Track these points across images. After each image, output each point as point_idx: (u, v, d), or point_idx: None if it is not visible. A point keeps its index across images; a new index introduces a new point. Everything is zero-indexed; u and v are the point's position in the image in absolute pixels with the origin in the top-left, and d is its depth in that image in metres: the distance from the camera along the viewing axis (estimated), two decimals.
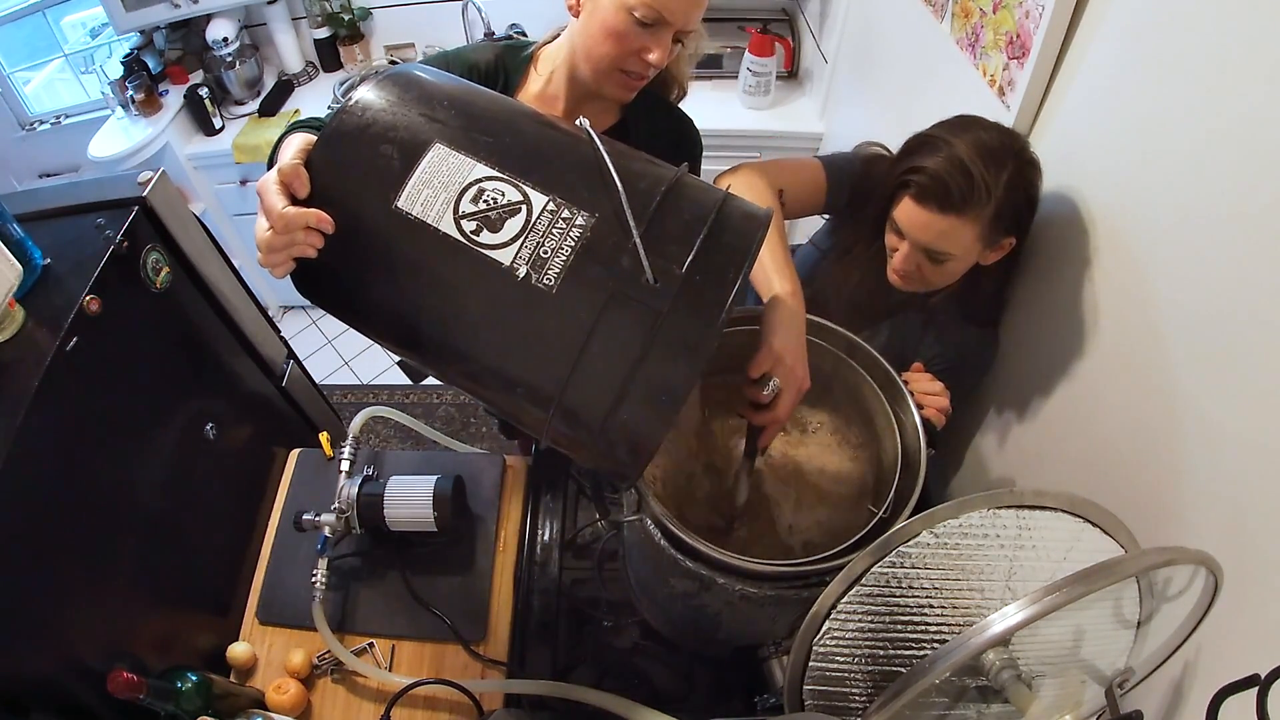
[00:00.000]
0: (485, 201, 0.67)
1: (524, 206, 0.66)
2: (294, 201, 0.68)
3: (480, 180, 0.67)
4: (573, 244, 0.65)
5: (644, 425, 0.65)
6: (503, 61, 1.09)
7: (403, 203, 0.67)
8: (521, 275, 0.65)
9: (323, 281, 0.74)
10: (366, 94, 0.72)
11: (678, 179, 0.70)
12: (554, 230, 0.66)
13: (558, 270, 0.65)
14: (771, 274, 0.91)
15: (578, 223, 0.66)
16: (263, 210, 0.68)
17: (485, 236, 0.66)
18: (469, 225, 0.66)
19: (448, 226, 0.66)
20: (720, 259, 0.66)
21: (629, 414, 0.65)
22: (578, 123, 0.73)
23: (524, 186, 0.67)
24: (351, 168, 0.70)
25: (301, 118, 0.97)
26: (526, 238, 0.65)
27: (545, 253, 0.65)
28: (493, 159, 0.68)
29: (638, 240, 0.64)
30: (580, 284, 0.65)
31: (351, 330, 0.79)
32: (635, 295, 0.64)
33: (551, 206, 0.66)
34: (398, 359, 1.16)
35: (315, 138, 0.72)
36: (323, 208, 0.68)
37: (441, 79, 0.78)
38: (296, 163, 0.69)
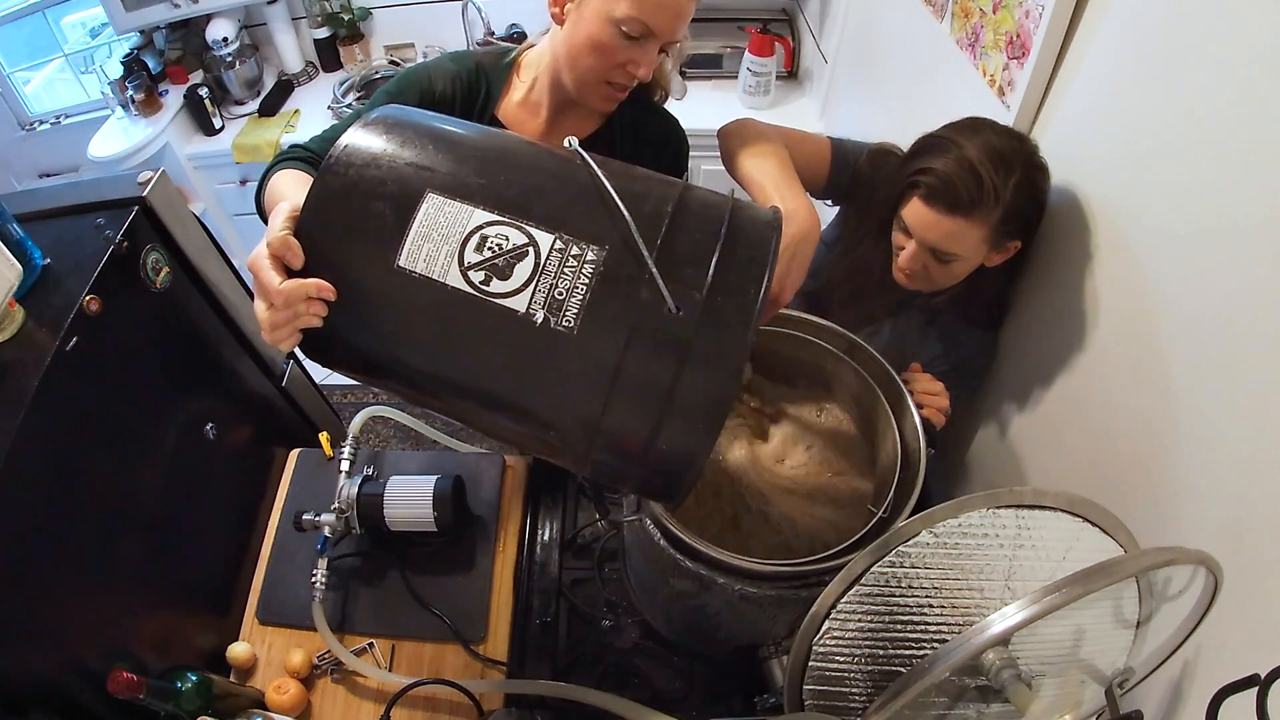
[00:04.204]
0: (490, 249, 0.64)
1: (530, 249, 0.64)
2: (290, 273, 0.65)
3: (481, 227, 0.65)
4: (587, 281, 0.63)
5: (684, 451, 0.64)
6: (484, 70, 1.07)
7: (404, 261, 0.64)
8: (539, 321, 0.62)
9: (331, 347, 0.71)
10: (347, 150, 0.69)
11: (681, 194, 0.69)
12: (565, 270, 0.63)
13: (575, 310, 0.62)
14: (772, 195, 0.90)
15: (589, 258, 0.64)
16: (258, 289, 0.65)
17: (496, 285, 0.63)
18: (477, 276, 0.64)
19: (455, 280, 0.64)
20: (738, 274, 0.65)
21: (667, 443, 0.63)
22: (566, 143, 0.70)
23: (527, 227, 0.65)
24: (344, 231, 0.67)
25: (284, 150, 0.96)
26: (539, 281, 0.63)
27: (560, 294, 0.63)
28: (490, 202, 0.66)
29: (654, 270, 0.62)
30: (601, 322, 0.63)
31: None
32: (658, 326, 0.62)
33: (559, 245, 0.64)
34: None
35: (301, 200, 0.68)
36: (320, 274, 0.65)
37: (422, 120, 0.74)
38: (285, 234, 0.66)
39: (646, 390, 0.62)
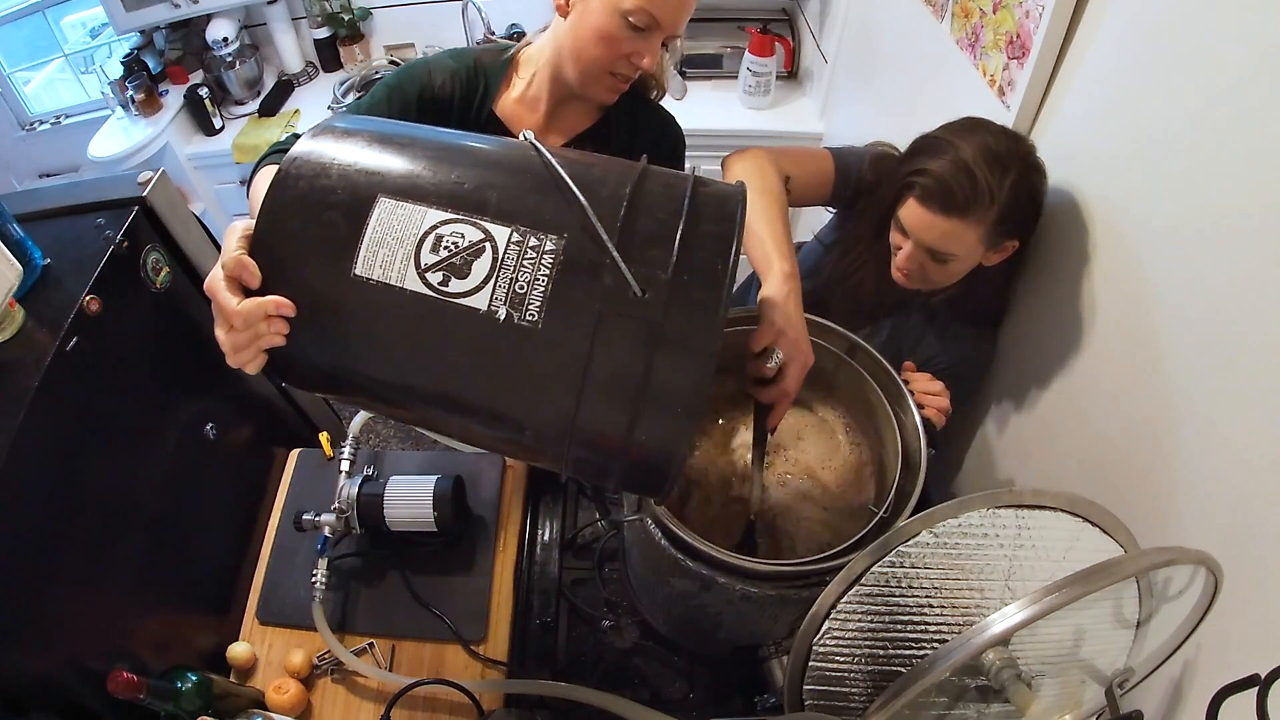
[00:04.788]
0: (446, 248, 0.63)
1: (487, 244, 0.63)
2: (248, 293, 0.64)
3: (436, 227, 0.63)
4: (548, 272, 0.62)
5: (664, 441, 0.63)
6: (482, 67, 1.08)
7: (360, 269, 0.63)
8: (502, 317, 0.61)
9: (297, 365, 0.69)
10: (296, 162, 0.67)
11: (640, 175, 0.67)
12: (525, 262, 0.62)
13: (539, 303, 0.61)
14: (772, 253, 0.90)
15: (547, 249, 0.62)
16: (216, 313, 0.64)
17: (455, 285, 0.62)
18: (435, 277, 0.62)
19: (413, 284, 0.62)
20: (704, 252, 0.63)
21: (646, 434, 0.62)
22: (521, 137, 0.69)
23: (483, 223, 0.63)
24: (298, 244, 0.65)
25: (278, 141, 0.95)
26: (498, 276, 0.62)
27: (521, 288, 0.61)
28: (443, 201, 0.64)
29: (615, 254, 0.61)
30: (566, 313, 0.61)
31: None
32: (626, 312, 0.61)
33: (516, 238, 0.63)
34: None
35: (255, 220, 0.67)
36: (279, 291, 0.64)
37: (373, 126, 0.73)
38: (239, 253, 0.64)
39: (620, 379, 0.61)
